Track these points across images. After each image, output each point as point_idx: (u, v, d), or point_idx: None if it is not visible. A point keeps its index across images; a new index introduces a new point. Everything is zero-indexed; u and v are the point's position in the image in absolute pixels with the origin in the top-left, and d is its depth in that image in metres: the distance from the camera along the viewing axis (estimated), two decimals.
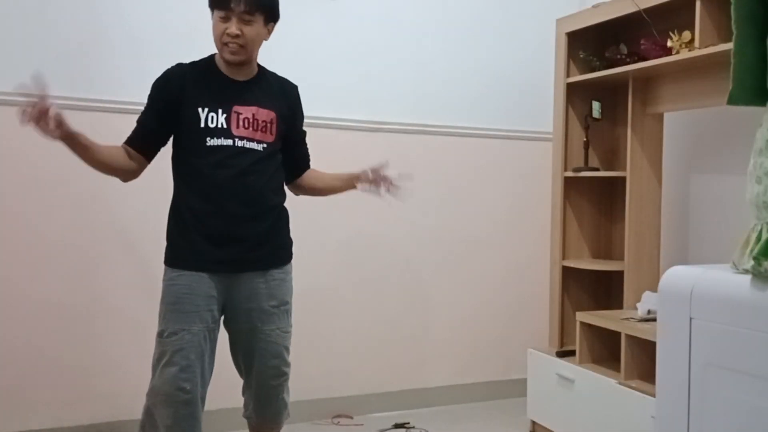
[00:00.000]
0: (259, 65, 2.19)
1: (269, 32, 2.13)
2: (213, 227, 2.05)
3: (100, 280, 2.83)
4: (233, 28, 2.02)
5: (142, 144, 2.10)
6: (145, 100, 2.12)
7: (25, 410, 2.73)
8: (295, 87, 2.29)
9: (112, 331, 2.84)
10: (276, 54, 2.79)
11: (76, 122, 2.76)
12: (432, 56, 3.39)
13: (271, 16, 2.12)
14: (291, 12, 3.11)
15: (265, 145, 2.12)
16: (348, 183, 2.32)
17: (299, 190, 2.38)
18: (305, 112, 3.04)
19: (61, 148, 2.74)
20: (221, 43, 2.06)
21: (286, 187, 2.27)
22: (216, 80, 2.10)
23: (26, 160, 2.73)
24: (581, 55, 3.07)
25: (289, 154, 2.25)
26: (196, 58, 2.16)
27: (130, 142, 2.11)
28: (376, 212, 3.30)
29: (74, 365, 2.80)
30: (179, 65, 2.12)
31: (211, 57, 2.15)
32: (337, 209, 3.21)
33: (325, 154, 3.16)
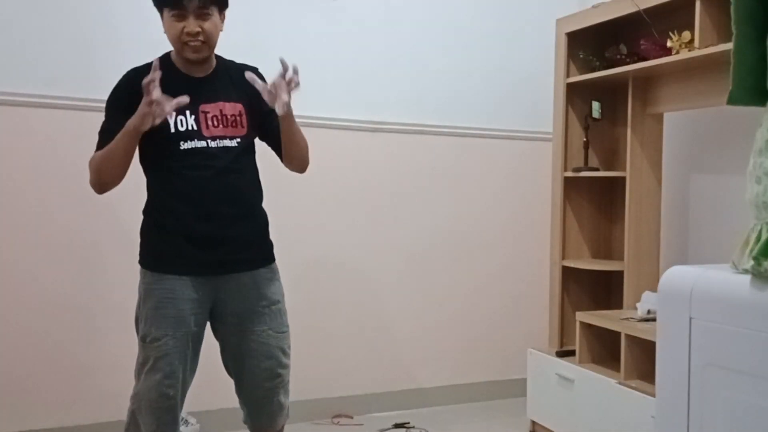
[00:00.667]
0: (215, 56, 2.11)
1: (223, 20, 2.06)
2: (198, 230, 2.01)
3: (100, 279, 2.84)
4: (192, 26, 1.95)
5: None
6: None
7: (25, 410, 2.73)
8: (255, 69, 2.14)
9: (112, 331, 2.84)
10: (276, 54, 2.79)
11: (76, 122, 2.78)
12: (432, 56, 3.39)
13: (224, 4, 2.05)
14: (291, 12, 3.12)
15: (239, 139, 2.07)
16: (278, 119, 2.05)
17: (290, 164, 2.21)
18: (305, 112, 3.06)
19: (61, 148, 2.76)
20: (181, 43, 1.98)
21: (285, 165, 2.19)
22: (177, 81, 2.02)
23: (27, 159, 2.73)
24: (581, 55, 3.07)
25: (272, 136, 2.14)
26: None
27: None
28: (375, 213, 3.30)
29: (75, 365, 2.80)
30: (135, 70, 2.03)
31: (166, 56, 2.07)
32: (337, 207, 3.22)
33: (325, 154, 3.17)
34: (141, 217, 2.12)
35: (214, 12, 2.01)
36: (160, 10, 2.00)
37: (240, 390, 2.16)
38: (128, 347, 2.80)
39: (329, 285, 3.22)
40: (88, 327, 2.82)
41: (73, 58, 2.77)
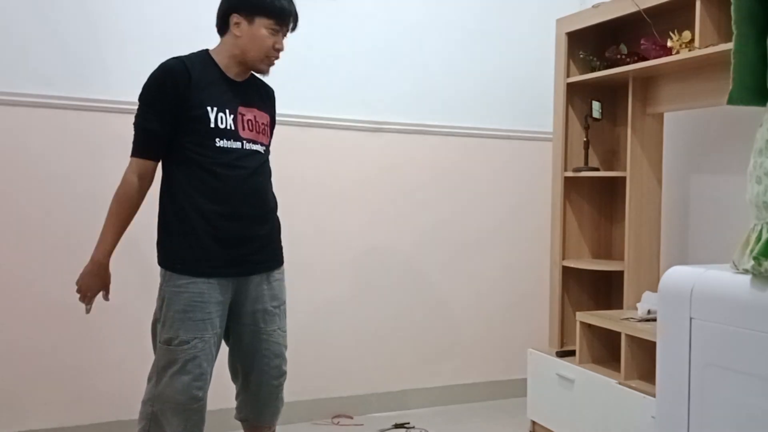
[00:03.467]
0: None
1: None
2: (225, 230, 2.02)
3: None
4: (281, 43, 2.07)
5: (159, 152, 2.03)
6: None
7: (25, 410, 2.73)
8: (273, 91, 2.29)
9: (112, 331, 2.84)
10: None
11: (75, 122, 2.78)
12: (432, 56, 3.39)
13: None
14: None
15: (265, 147, 2.15)
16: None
17: None
18: (304, 112, 3.07)
19: (59, 148, 2.76)
20: (264, 56, 2.06)
21: None
22: (219, 79, 2.05)
23: (27, 159, 2.73)
24: (581, 55, 3.06)
25: None
26: None
27: (147, 154, 2.01)
28: (376, 213, 3.30)
29: (74, 365, 2.80)
30: (177, 59, 2.01)
31: (205, 53, 2.08)
32: (338, 210, 3.22)
33: (325, 154, 3.18)
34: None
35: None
36: (251, 15, 2.02)
37: (246, 388, 2.18)
38: (127, 348, 2.82)
39: (329, 285, 3.22)
40: (86, 327, 2.81)
41: (73, 58, 2.77)
